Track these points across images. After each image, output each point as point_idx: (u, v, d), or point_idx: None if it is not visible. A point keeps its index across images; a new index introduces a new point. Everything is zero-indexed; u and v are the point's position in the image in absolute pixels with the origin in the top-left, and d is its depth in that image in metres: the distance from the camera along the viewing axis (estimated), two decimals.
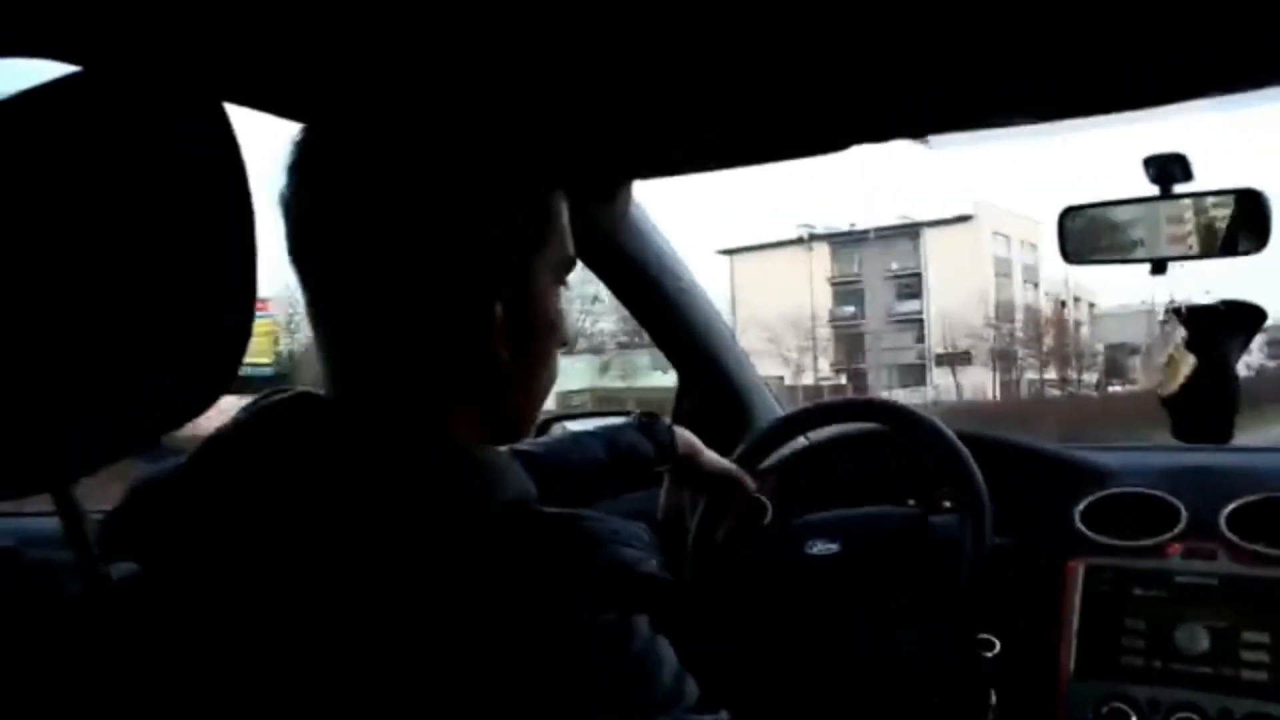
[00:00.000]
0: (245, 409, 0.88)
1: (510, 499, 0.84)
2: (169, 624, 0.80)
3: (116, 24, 0.95)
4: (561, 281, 0.97)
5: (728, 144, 1.54)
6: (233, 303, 0.85)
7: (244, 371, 0.89)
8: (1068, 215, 1.72)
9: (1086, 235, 1.72)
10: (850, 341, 43.10)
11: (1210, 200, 1.60)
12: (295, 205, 0.88)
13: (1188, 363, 1.61)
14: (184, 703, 0.78)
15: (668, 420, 1.68)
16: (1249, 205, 1.58)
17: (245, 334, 0.87)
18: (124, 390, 0.82)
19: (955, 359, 38.16)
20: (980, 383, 37.17)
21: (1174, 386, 1.62)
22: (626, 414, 1.67)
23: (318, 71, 1.08)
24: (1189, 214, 1.61)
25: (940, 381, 37.73)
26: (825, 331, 42.85)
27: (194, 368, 0.85)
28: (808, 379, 36.92)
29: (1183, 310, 1.63)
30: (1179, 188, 1.59)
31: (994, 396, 35.89)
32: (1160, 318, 1.70)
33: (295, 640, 0.76)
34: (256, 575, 0.78)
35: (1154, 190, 1.61)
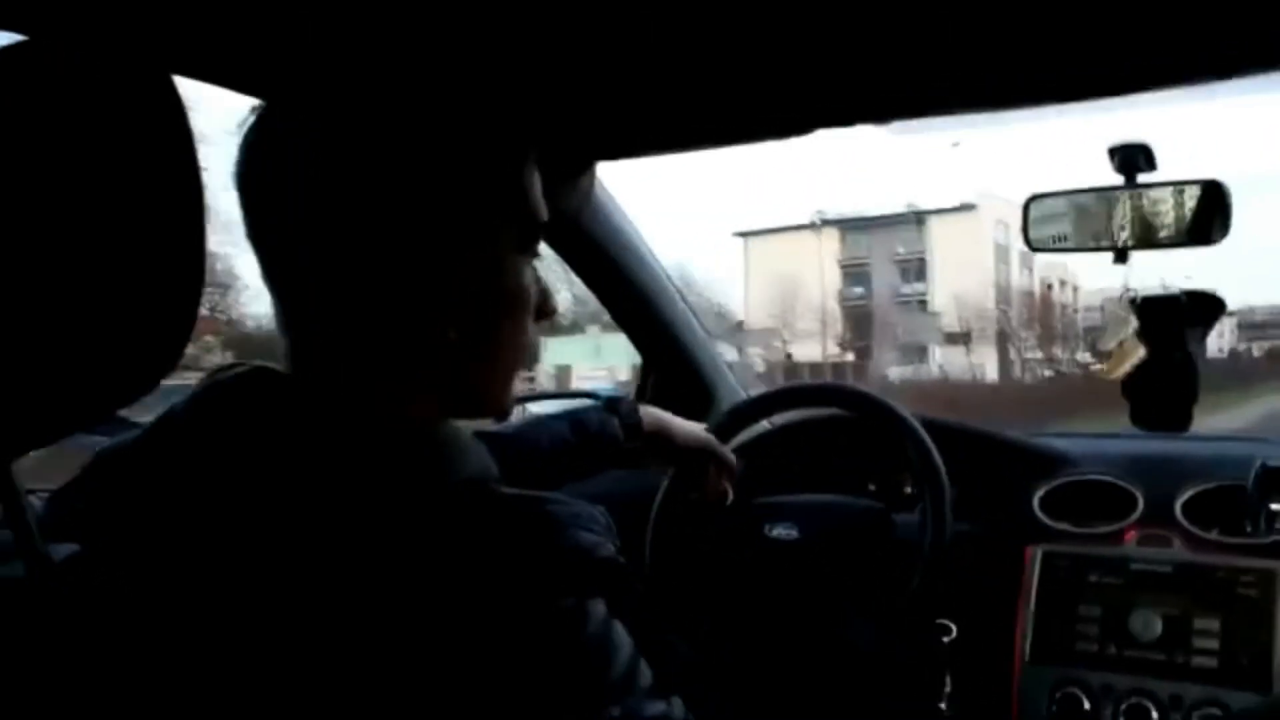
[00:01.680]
0: (200, 383, 0.86)
1: (468, 477, 0.81)
2: (115, 604, 0.77)
3: None
4: (527, 253, 0.92)
5: (691, 127, 1.50)
6: (181, 279, 0.80)
7: None
8: (1032, 203, 1.66)
9: (1050, 223, 1.66)
10: (858, 320, 43.52)
11: (1172, 190, 1.54)
12: (251, 181, 0.85)
13: (1137, 352, 1.57)
14: (130, 685, 0.74)
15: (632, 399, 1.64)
16: (1211, 195, 1.52)
17: (193, 311, 0.82)
18: (65, 366, 0.78)
19: (958, 339, 38.47)
20: (981, 362, 37.50)
21: (1119, 373, 1.58)
22: (587, 395, 1.62)
23: (274, 44, 1.04)
24: (1152, 204, 1.56)
25: (941, 360, 38.05)
26: (835, 310, 43.26)
27: (140, 344, 0.80)
28: (816, 355, 37.31)
29: (1137, 299, 1.57)
30: (1142, 177, 1.54)
31: (989, 376, 36.48)
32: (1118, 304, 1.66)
33: (244, 620, 0.73)
34: (206, 553, 0.75)
35: (1119, 179, 1.55)
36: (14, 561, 0.81)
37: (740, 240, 46.84)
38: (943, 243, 41.96)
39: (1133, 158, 1.53)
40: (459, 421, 0.90)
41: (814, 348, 38.00)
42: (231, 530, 0.75)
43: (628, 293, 2.01)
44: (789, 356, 34.54)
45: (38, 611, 0.79)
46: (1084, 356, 38.31)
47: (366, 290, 0.83)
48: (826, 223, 44.62)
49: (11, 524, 0.81)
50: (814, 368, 33.25)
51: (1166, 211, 1.55)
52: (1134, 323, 1.55)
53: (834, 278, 43.95)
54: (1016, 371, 37.64)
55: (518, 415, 1.87)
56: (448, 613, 0.72)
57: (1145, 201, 1.56)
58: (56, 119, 0.75)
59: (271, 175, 0.84)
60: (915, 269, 43.63)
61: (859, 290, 44.39)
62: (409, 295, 0.83)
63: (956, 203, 42.09)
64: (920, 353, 40.19)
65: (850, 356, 40.53)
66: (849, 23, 1.06)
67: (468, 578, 0.73)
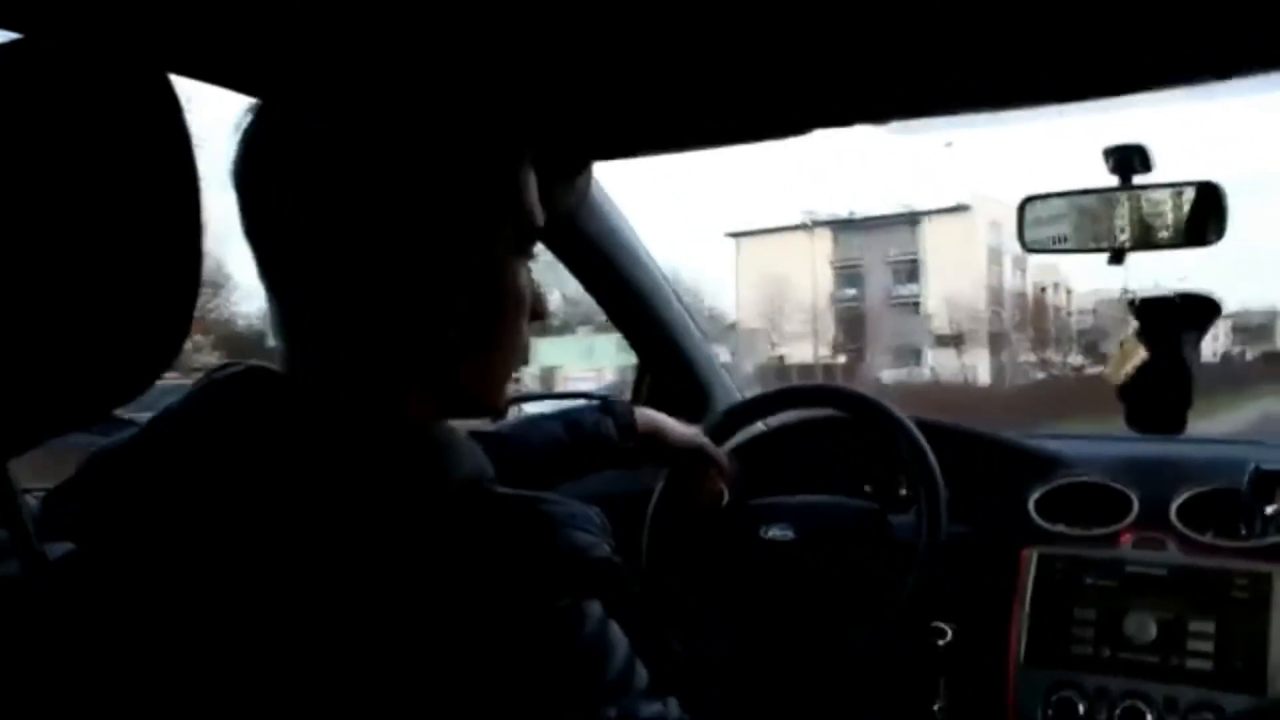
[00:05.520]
0: (197, 383, 0.85)
1: (464, 478, 0.81)
2: (110, 604, 0.77)
3: None
4: (524, 254, 0.92)
5: (688, 127, 1.50)
6: (177, 278, 0.80)
7: None
8: (1028, 204, 1.67)
9: (1046, 224, 1.67)
10: (850, 322, 43.40)
11: (1168, 191, 1.55)
12: (248, 178, 0.85)
13: (1138, 353, 1.58)
14: (125, 685, 0.75)
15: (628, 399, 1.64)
16: (1207, 197, 1.53)
17: (189, 310, 0.82)
18: (61, 365, 0.78)
19: (951, 341, 38.45)
20: (975, 364, 37.48)
21: (1121, 375, 1.59)
22: (585, 396, 1.62)
23: (271, 43, 1.03)
24: (1147, 205, 1.57)
25: (934, 362, 38.03)
26: (827, 312, 43.15)
27: (136, 343, 0.80)
28: (808, 357, 37.20)
29: (1136, 301, 1.59)
30: (1138, 179, 1.55)
31: (982, 378, 36.47)
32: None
33: (239, 620, 0.73)
34: (201, 553, 0.75)
35: (1114, 180, 1.56)
36: (10, 560, 0.81)
37: (732, 241, 46.82)
38: (936, 244, 41.90)
39: (1128, 159, 1.54)
40: (454, 422, 0.91)
41: (806, 350, 37.92)
42: (227, 530, 0.74)
43: (624, 293, 2.01)
44: (780, 359, 34.53)
45: (33, 611, 0.79)
46: (1077, 359, 38.57)
47: (363, 290, 0.83)
48: (818, 223, 44.53)
49: (7, 523, 0.81)
50: (805, 370, 33.16)
51: (1162, 213, 1.55)
52: (1133, 324, 1.56)
53: (826, 279, 43.90)
54: (1009, 374, 37.68)
55: (513, 415, 1.87)
56: (443, 613, 0.72)
57: (1141, 203, 1.56)
58: (52, 118, 0.75)
59: (269, 173, 0.84)
60: (908, 271, 43.54)
61: (851, 292, 44.30)
62: (406, 295, 0.84)
63: (950, 204, 42.05)
64: (914, 355, 40.16)
65: (842, 359, 40.50)
66: (846, 23, 1.06)
67: (464, 578, 0.73)
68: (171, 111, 0.80)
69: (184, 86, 0.89)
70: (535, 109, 1.33)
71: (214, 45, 1.05)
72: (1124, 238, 1.58)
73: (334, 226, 0.82)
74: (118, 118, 0.78)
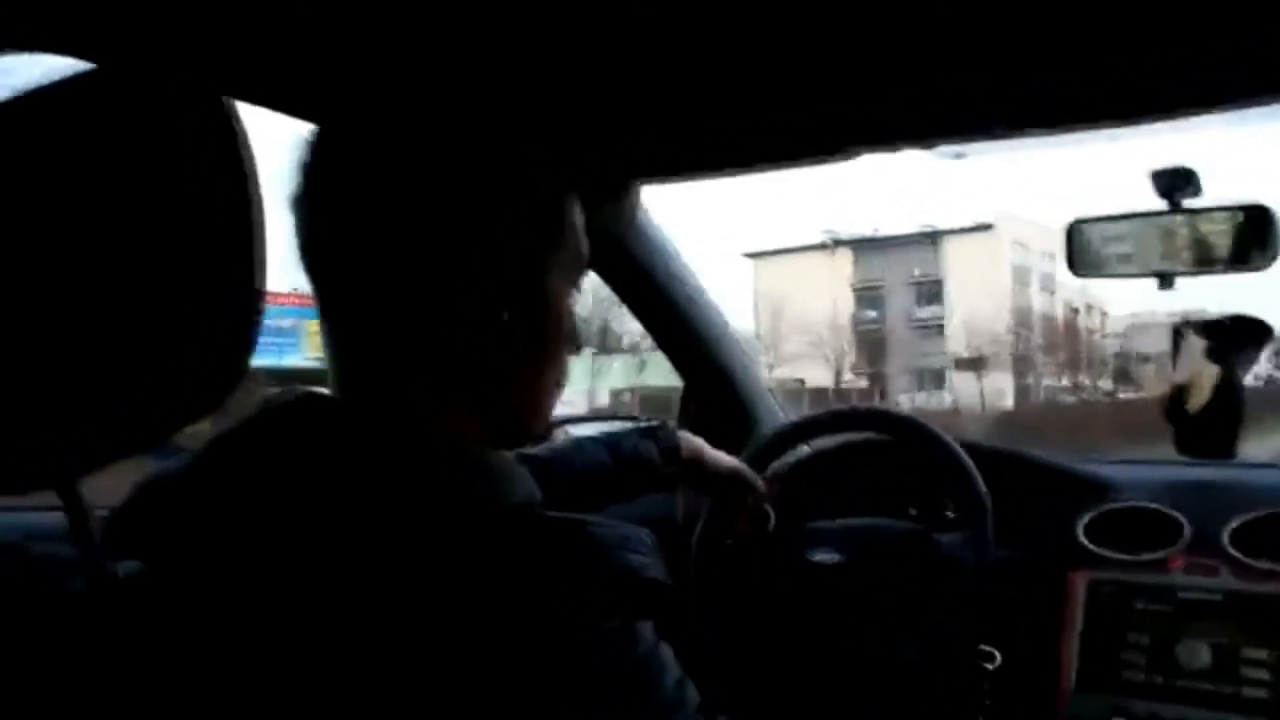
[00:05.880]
0: (254, 407, 0.86)
1: (516, 502, 0.83)
2: (173, 621, 0.79)
3: (122, 18, 0.89)
4: (574, 284, 0.94)
5: (734, 149, 1.46)
6: (241, 301, 0.82)
7: None
8: (1075, 228, 1.67)
9: (1094, 249, 1.67)
10: (872, 345, 43.04)
11: (1218, 215, 1.55)
12: (304, 205, 0.86)
13: (1210, 375, 1.55)
14: (186, 700, 0.76)
15: (673, 425, 1.64)
16: (1256, 221, 1.52)
17: (253, 332, 0.84)
18: (130, 387, 0.80)
19: (973, 364, 38.08)
20: (998, 388, 37.05)
21: (1201, 401, 1.57)
22: (634, 419, 1.61)
23: (327, 71, 1.03)
24: (1196, 229, 1.56)
25: (959, 386, 37.68)
26: (848, 335, 42.76)
27: (201, 366, 0.82)
28: (827, 381, 36.82)
29: (1200, 325, 1.57)
30: (1187, 202, 1.55)
31: (1006, 403, 35.87)
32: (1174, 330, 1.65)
33: (298, 639, 0.74)
34: (260, 575, 0.76)
35: (1162, 204, 1.56)
36: (78, 576, 0.84)
37: (750, 261, 46.58)
38: (959, 264, 41.59)
39: (1176, 182, 1.54)
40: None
41: (823, 373, 37.55)
42: (286, 551, 0.76)
43: (671, 317, 2.00)
44: (801, 382, 34.30)
45: (100, 625, 0.81)
46: (1108, 384, 38.04)
47: (418, 314, 0.84)
48: (839, 243, 44.31)
49: (77, 540, 0.84)
50: (819, 393, 32.53)
51: (1211, 237, 1.55)
52: (1197, 347, 1.55)
53: (846, 301, 43.60)
54: (1035, 399, 37.22)
55: (561, 436, 1.87)
56: (499, 634, 0.73)
57: (1189, 227, 1.56)
58: (115, 144, 0.78)
59: (324, 198, 0.86)
60: (930, 292, 43.25)
61: (872, 314, 44.09)
62: (461, 321, 0.85)
63: (973, 222, 41.72)
64: (936, 379, 39.82)
65: (862, 383, 40.11)
66: (893, 44, 1.05)
67: (518, 600, 0.74)
68: (232, 135, 0.82)
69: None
70: (581, 132, 1.33)
71: (273, 71, 1.05)
72: (1172, 262, 1.58)
73: (387, 254, 0.84)
74: (179, 143, 0.80)
